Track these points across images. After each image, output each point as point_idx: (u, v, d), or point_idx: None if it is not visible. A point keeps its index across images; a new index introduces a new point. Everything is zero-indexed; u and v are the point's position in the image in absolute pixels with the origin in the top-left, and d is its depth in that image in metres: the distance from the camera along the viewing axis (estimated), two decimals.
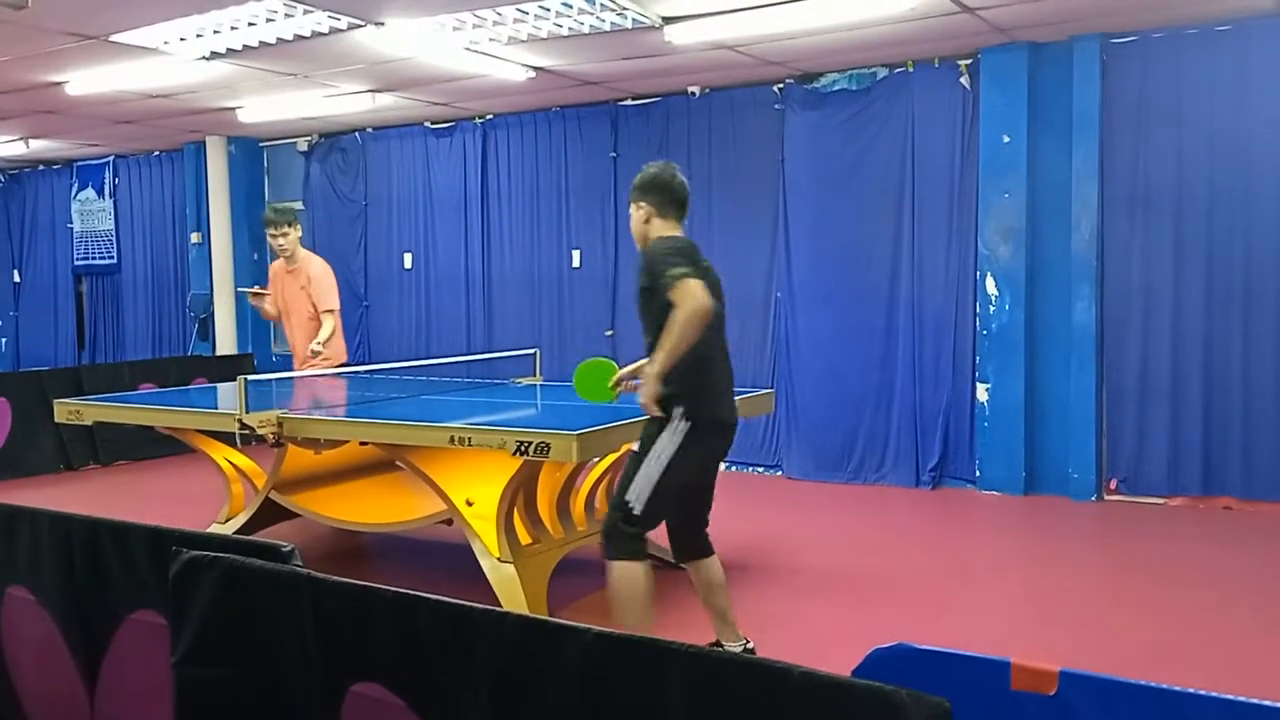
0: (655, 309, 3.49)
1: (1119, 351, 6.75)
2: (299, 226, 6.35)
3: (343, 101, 8.33)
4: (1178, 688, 1.56)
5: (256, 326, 10.45)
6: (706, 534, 3.87)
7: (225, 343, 10.53)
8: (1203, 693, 1.55)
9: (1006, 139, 6.90)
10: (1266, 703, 1.50)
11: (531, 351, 6.46)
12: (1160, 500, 6.63)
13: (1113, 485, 6.79)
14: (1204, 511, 6.42)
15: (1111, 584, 5.18)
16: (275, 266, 6.51)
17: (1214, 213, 6.42)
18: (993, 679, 1.67)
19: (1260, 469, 6.35)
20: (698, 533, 3.84)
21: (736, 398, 5.23)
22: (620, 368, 4.03)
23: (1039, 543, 6.04)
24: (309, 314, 6.25)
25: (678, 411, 3.54)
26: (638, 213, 3.76)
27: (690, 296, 3.34)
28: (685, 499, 3.74)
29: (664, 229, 3.72)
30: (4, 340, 12.84)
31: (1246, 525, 6.10)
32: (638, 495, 3.52)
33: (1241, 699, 1.52)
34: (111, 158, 11.52)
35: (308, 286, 6.24)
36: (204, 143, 10.41)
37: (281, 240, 6.23)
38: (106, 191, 11.64)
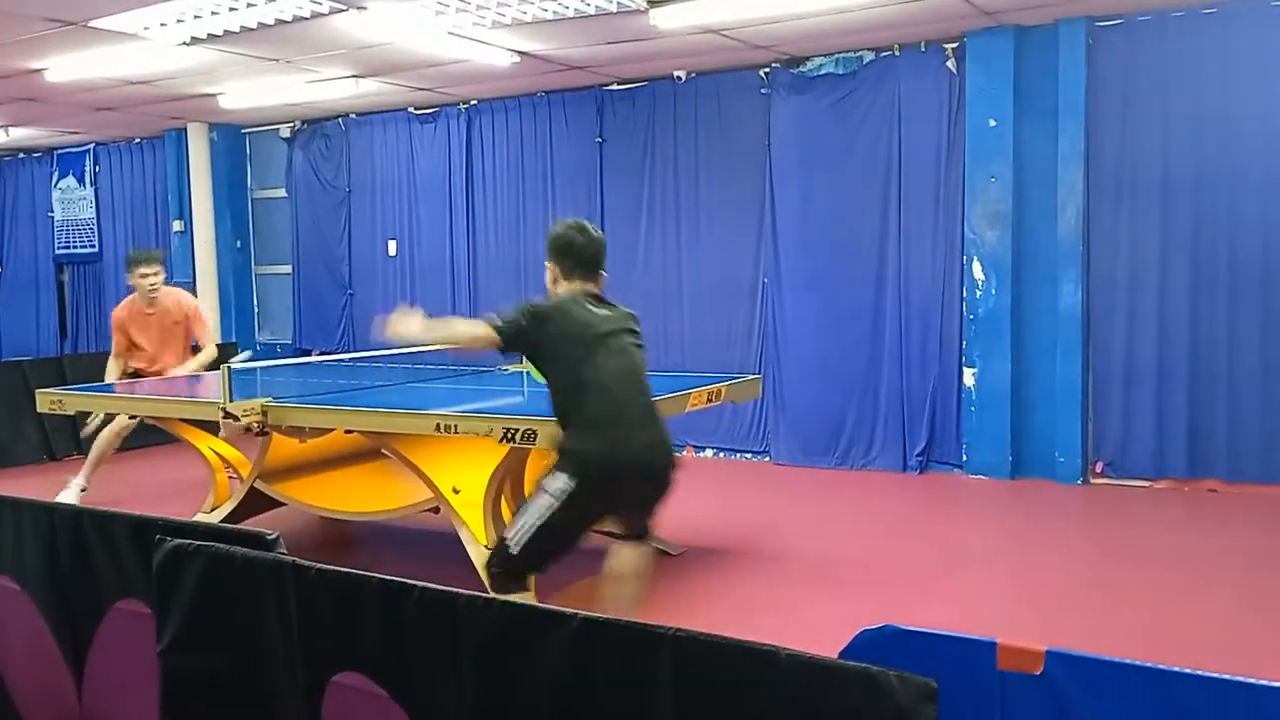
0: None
1: (1105, 335, 6.76)
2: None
3: (325, 87, 8.26)
4: (1163, 666, 1.57)
5: (240, 315, 10.39)
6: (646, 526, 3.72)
7: None
8: (1188, 671, 1.55)
9: (992, 123, 6.90)
10: (1251, 680, 1.51)
11: None
12: (1146, 483, 6.66)
13: (1099, 468, 6.82)
14: (1189, 494, 6.46)
15: (1098, 566, 5.21)
16: (132, 310, 6.70)
17: (1199, 196, 6.43)
18: (979, 659, 1.67)
19: (1245, 451, 6.38)
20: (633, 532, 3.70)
21: (724, 384, 5.30)
22: None
23: (1026, 526, 6.07)
24: (183, 347, 6.75)
25: (565, 465, 3.45)
26: (548, 273, 3.79)
27: (469, 333, 3.80)
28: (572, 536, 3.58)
29: (569, 289, 3.71)
30: None
31: (1231, 507, 6.13)
32: (516, 538, 3.46)
33: (1227, 677, 1.53)
34: (92, 145, 11.40)
35: (189, 323, 6.73)
36: (185, 130, 10.31)
37: (154, 279, 6.58)
38: (87, 180, 11.53)
